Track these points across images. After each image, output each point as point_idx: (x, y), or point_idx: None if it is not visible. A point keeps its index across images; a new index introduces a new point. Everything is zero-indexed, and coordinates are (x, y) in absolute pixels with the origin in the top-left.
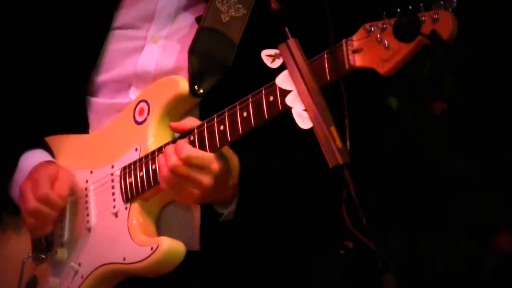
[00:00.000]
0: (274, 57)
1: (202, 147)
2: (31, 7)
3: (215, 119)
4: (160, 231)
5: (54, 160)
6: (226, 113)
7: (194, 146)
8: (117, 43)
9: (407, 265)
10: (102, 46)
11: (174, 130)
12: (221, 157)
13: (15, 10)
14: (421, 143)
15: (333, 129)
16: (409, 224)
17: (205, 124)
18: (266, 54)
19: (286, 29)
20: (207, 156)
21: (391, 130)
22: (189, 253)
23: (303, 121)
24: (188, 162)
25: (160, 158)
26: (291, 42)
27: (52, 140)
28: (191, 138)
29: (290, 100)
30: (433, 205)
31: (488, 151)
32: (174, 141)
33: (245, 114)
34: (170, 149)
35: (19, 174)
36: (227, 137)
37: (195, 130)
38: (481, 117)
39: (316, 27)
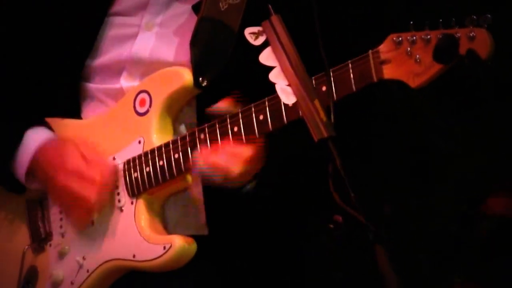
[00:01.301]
0: (257, 35)
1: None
2: None
3: (253, 108)
4: (166, 220)
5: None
6: (267, 102)
7: (240, 134)
8: (112, 29)
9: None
10: (98, 32)
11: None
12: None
13: None
14: (410, 105)
15: (317, 102)
16: (398, 188)
17: (241, 114)
18: (249, 32)
19: (269, 6)
20: (252, 150)
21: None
22: (197, 238)
23: (287, 96)
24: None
25: (206, 154)
26: (274, 19)
27: (52, 122)
28: (235, 128)
29: (274, 76)
30: (423, 170)
31: (480, 112)
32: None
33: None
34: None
35: (23, 149)
36: (268, 127)
37: (240, 118)
38: (473, 78)
39: (302, 9)
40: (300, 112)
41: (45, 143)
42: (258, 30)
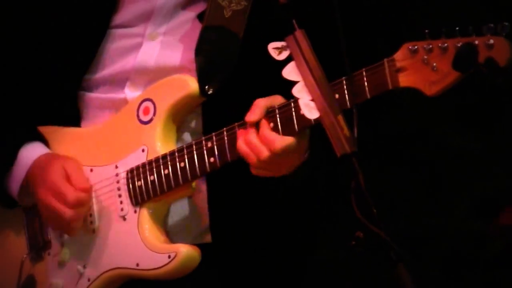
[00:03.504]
0: (281, 50)
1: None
2: (29, 4)
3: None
4: (168, 228)
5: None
6: (277, 110)
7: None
8: (114, 42)
9: (412, 246)
10: (99, 45)
11: (250, 121)
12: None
13: (13, 7)
14: (423, 120)
15: (340, 118)
16: (413, 205)
17: (292, 104)
18: (272, 47)
19: (294, 21)
20: (294, 142)
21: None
22: (200, 246)
23: (310, 111)
24: (279, 153)
25: (246, 150)
26: (298, 33)
27: (46, 130)
28: (271, 124)
29: (297, 91)
30: (437, 185)
31: (491, 128)
32: (220, 133)
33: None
34: (254, 139)
35: (17, 167)
36: (279, 133)
37: (277, 112)
38: (485, 94)
39: (323, 20)
40: (324, 126)
41: (37, 160)
42: (282, 45)
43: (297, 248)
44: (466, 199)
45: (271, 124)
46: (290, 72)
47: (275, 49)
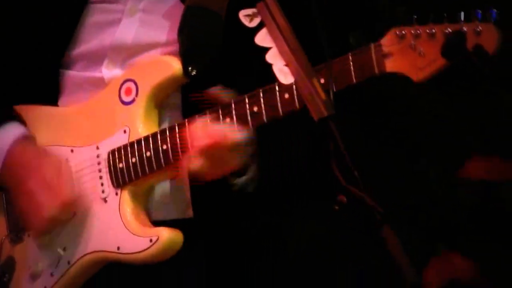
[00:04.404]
0: (252, 17)
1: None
2: None
3: (246, 100)
4: (151, 204)
5: (34, 137)
6: (261, 94)
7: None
8: (94, 17)
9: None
10: (79, 20)
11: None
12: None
13: None
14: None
15: (315, 81)
16: (377, 161)
17: (234, 105)
18: (244, 14)
19: None
20: (248, 134)
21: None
22: (182, 221)
23: (285, 76)
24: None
25: (200, 133)
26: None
27: (23, 109)
28: (227, 120)
29: (271, 57)
30: (398, 138)
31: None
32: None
33: (286, 95)
34: (198, 129)
35: None
36: (263, 119)
37: (233, 109)
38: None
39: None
40: (299, 91)
41: (23, 144)
42: (253, 12)
43: (279, 220)
44: (427, 150)
45: (227, 120)
46: (263, 38)
47: (246, 16)
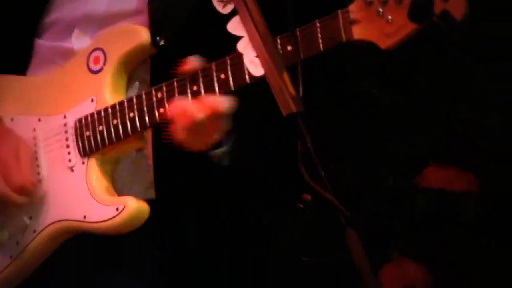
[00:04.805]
0: (225, 3)
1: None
2: None
3: (213, 67)
4: (114, 183)
5: (4, 118)
6: (228, 61)
7: (199, 94)
8: None
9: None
10: None
11: (182, 71)
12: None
13: None
14: (343, 73)
15: (285, 75)
16: (337, 161)
17: (201, 73)
18: (217, 0)
19: None
20: (226, 104)
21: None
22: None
23: (255, 68)
24: (216, 114)
25: (177, 109)
26: None
27: None
28: (194, 88)
29: (242, 46)
30: (359, 142)
31: (413, 86)
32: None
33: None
34: (183, 102)
35: None
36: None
37: (200, 76)
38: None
39: None
40: (269, 84)
41: None
42: None
43: (242, 202)
44: (390, 156)
45: (194, 88)
46: (235, 26)
47: (220, 2)
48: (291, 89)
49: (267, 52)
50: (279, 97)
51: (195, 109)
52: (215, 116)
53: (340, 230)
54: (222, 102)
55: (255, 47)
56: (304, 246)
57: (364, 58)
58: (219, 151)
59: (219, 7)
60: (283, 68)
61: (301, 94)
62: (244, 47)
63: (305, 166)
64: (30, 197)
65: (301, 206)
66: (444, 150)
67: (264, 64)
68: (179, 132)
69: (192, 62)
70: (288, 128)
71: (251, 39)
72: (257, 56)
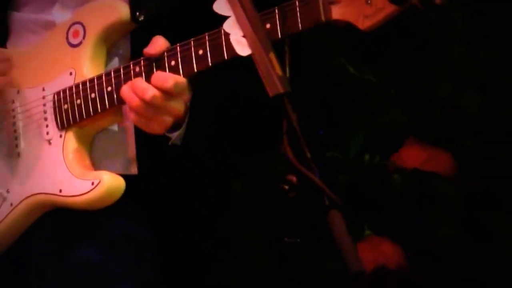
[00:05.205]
0: None
1: (175, 71)
2: None
3: (192, 43)
4: (95, 157)
5: None
6: (207, 37)
7: (177, 69)
8: None
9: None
10: None
11: (148, 54)
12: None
13: None
14: (320, 49)
15: (272, 55)
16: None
17: (179, 48)
18: None
19: None
20: (184, 82)
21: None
22: (126, 177)
23: (242, 48)
24: (169, 92)
25: (127, 90)
26: None
27: None
28: (172, 63)
29: (229, 26)
30: (334, 119)
31: (391, 62)
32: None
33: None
34: (140, 81)
35: None
36: (207, 62)
37: (178, 51)
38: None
39: None
40: (256, 65)
41: None
42: None
43: (222, 181)
44: (361, 134)
45: (172, 63)
46: (221, 6)
47: None
48: (278, 69)
49: (254, 32)
50: (265, 77)
51: (144, 88)
52: (165, 96)
53: (322, 212)
54: (169, 79)
55: (242, 27)
56: (286, 227)
57: (341, 35)
58: (176, 133)
59: None
60: (270, 48)
61: (288, 74)
62: (231, 26)
63: (290, 146)
64: None
65: (286, 187)
66: (422, 129)
67: (251, 44)
68: (131, 114)
69: (159, 44)
70: (269, 108)
71: (238, 19)
72: (244, 36)
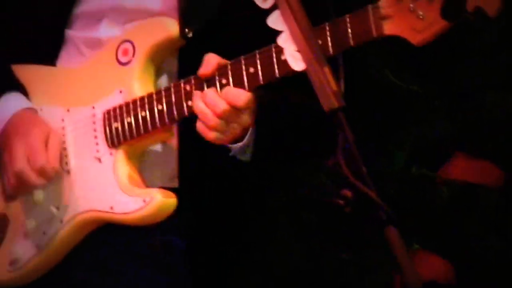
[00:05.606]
0: None
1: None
2: None
3: (242, 61)
4: (140, 171)
5: (35, 108)
6: (258, 55)
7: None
8: None
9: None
10: None
11: (203, 75)
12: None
13: None
14: (365, 62)
15: (327, 70)
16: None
17: (230, 67)
18: None
19: None
20: (252, 98)
21: None
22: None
23: (296, 62)
24: (240, 107)
25: (201, 106)
26: None
27: (21, 69)
28: (223, 81)
29: (282, 41)
30: (380, 130)
31: (439, 73)
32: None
33: (283, 57)
34: (213, 94)
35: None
36: (259, 80)
37: (229, 70)
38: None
39: None
40: (310, 79)
41: (22, 112)
42: None
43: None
44: (408, 145)
45: (223, 81)
46: (275, 21)
47: None
48: (333, 84)
49: (308, 47)
50: (320, 92)
51: (215, 103)
52: (235, 110)
53: (377, 227)
54: (241, 95)
55: (296, 41)
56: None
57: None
58: (239, 145)
59: (259, 1)
60: (324, 62)
61: (342, 88)
62: (285, 41)
63: (346, 162)
64: (49, 182)
65: (341, 202)
66: (470, 141)
67: (305, 59)
68: (201, 127)
69: (211, 63)
70: (323, 123)
71: (292, 33)
72: (298, 51)
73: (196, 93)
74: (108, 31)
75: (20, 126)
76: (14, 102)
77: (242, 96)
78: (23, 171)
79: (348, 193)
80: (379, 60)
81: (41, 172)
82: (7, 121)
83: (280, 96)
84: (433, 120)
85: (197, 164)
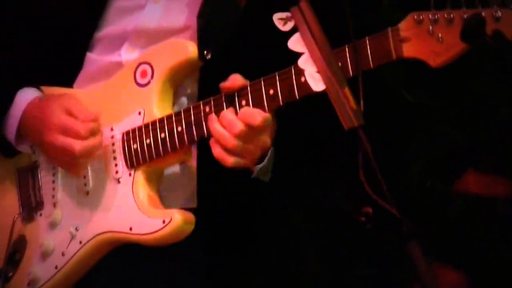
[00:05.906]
0: (286, 20)
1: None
2: None
3: (262, 82)
4: (159, 192)
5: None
6: (277, 77)
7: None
8: (119, 1)
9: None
10: (106, 2)
11: (226, 91)
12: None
13: None
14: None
15: (347, 90)
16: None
17: (250, 88)
18: (278, 18)
19: None
20: (270, 118)
21: None
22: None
23: (316, 83)
24: (257, 128)
25: (218, 128)
26: (303, 4)
27: (46, 90)
28: (243, 102)
29: (303, 62)
30: (395, 144)
31: (454, 86)
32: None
33: (302, 79)
34: (230, 115)
35: (13, 108)
36: (279, 101)
37: (248, 91)
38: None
39: None
40: (330, 99)
41: (33, 102)
42: (287, 16)
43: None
44: (422, 159)
45: (243, 102)
46: (295, 43)
47: (280, 20)
48: (353, 103)
49: (328, 67)
50: (340, 111)
51: (232, 124)
52: (252, 131)
53: (399, 243)
54: (257, 115)
55: (316, 63)
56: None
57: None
58: (259, 167)
59: (279, 24)
60: (344, 82)
61: (362, 107)
62: (305, 62)
63: (366, 179)
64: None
65: (363, 219)
66: (484, 155)
67: (325, 79)
68: (219, 153)
69: (235, 81)
70: (343, 141)
71: (312, 55)
72: (318, 72)
73: (211, 117)
74: (129, 53)
75: (37, 117)
76: (30, 92)
77: (258, 116)
78: (82, 157)
79: (369, 209)
80: (395, 77)
81: (89, 133)
82: (25, 112)
83: (298, 115)
84: (447, 134)
85: (216, 184)
